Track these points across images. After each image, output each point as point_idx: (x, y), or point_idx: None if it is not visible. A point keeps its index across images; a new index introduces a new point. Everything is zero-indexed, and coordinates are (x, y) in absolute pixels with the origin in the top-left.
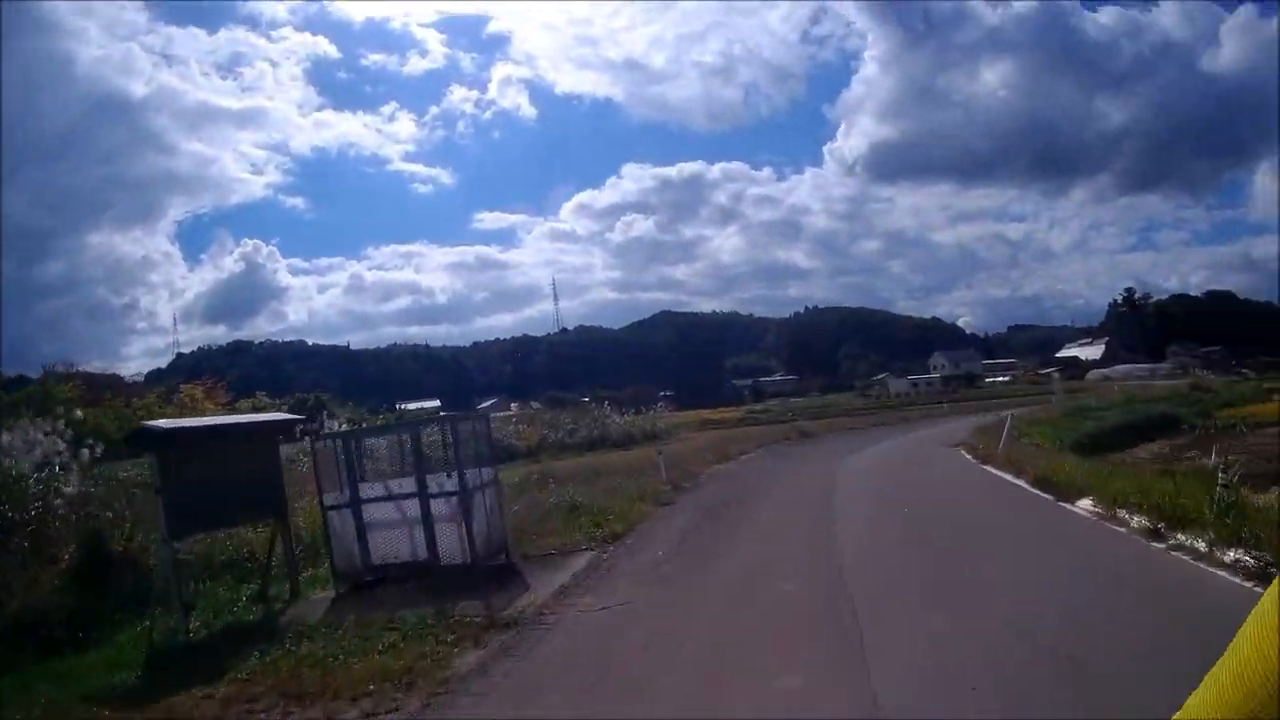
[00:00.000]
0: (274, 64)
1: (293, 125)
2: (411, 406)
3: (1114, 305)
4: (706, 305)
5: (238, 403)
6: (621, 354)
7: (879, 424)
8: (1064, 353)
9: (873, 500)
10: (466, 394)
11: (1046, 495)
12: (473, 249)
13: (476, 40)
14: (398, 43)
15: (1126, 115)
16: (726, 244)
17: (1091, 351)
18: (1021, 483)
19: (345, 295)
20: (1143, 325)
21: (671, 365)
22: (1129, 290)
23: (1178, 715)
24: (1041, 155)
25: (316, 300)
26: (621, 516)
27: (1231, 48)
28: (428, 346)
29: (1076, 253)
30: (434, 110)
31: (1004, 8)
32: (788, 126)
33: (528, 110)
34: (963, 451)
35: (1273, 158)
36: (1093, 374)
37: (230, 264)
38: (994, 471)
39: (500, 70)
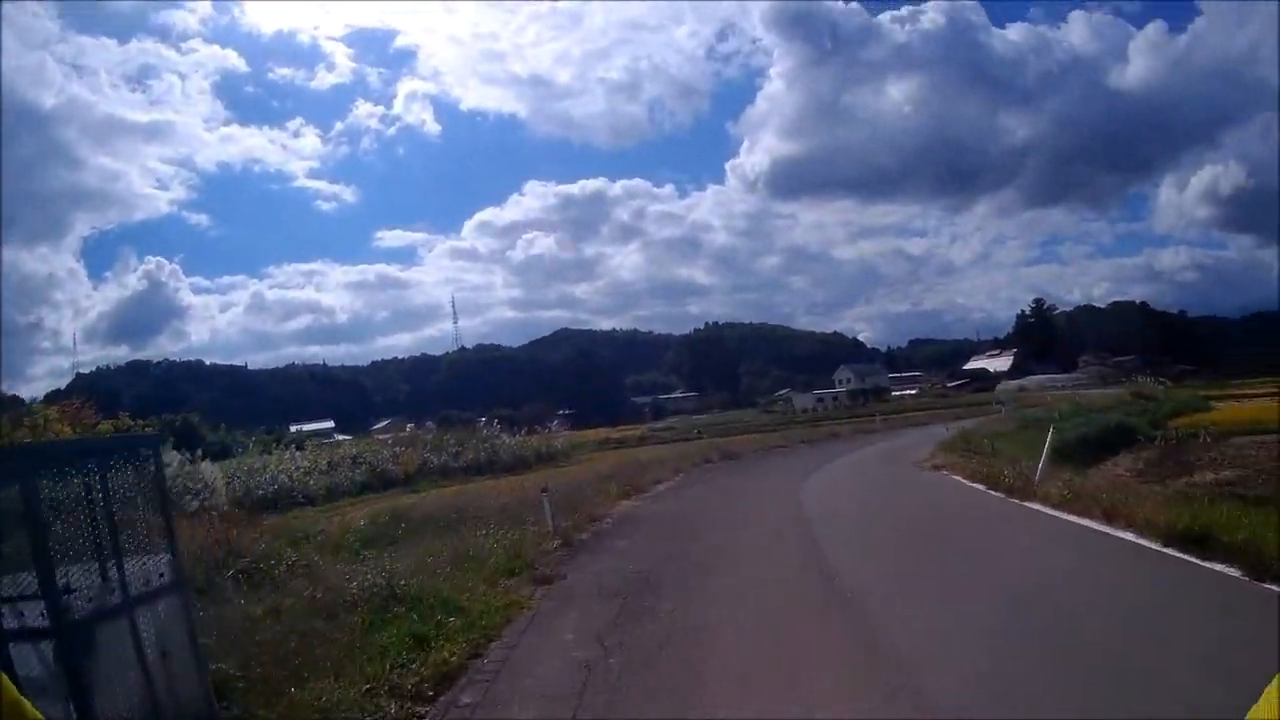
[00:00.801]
0: (183, 76)
1: (199, 140)
2: (306, 428)
3: (1022, 316)
4: (606, 323)
5: (98, 425)
6: (521, 373)
7: (804, 440)
8: (971, 365)
9: (928, 582)
10: (363, 414)
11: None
12: (373, 268)
13: (384, 55)
14: (306, 57)
15: (1032, 131)
16: (627, 261)
17: (1000, 363)
18: (1151, 544)
19: (246, 314)
20: (1052, 336)
21: (571, 384)
22: (1038, 301)
23: (1250, 714)
24: (945, 171)
25: (218, 319)
26: (468, 622)
27: (1139, 64)
28: (325, 366)
29: (978, 267)
30: (339, 126)
31: (912, 25)
32: (691, 143)
33: (432, 126)
34: (959, 478)
35: (1178, 171)
36: (1003, 385)
37: (133, 282)
38: (1072, 520)
39: (406, 85)
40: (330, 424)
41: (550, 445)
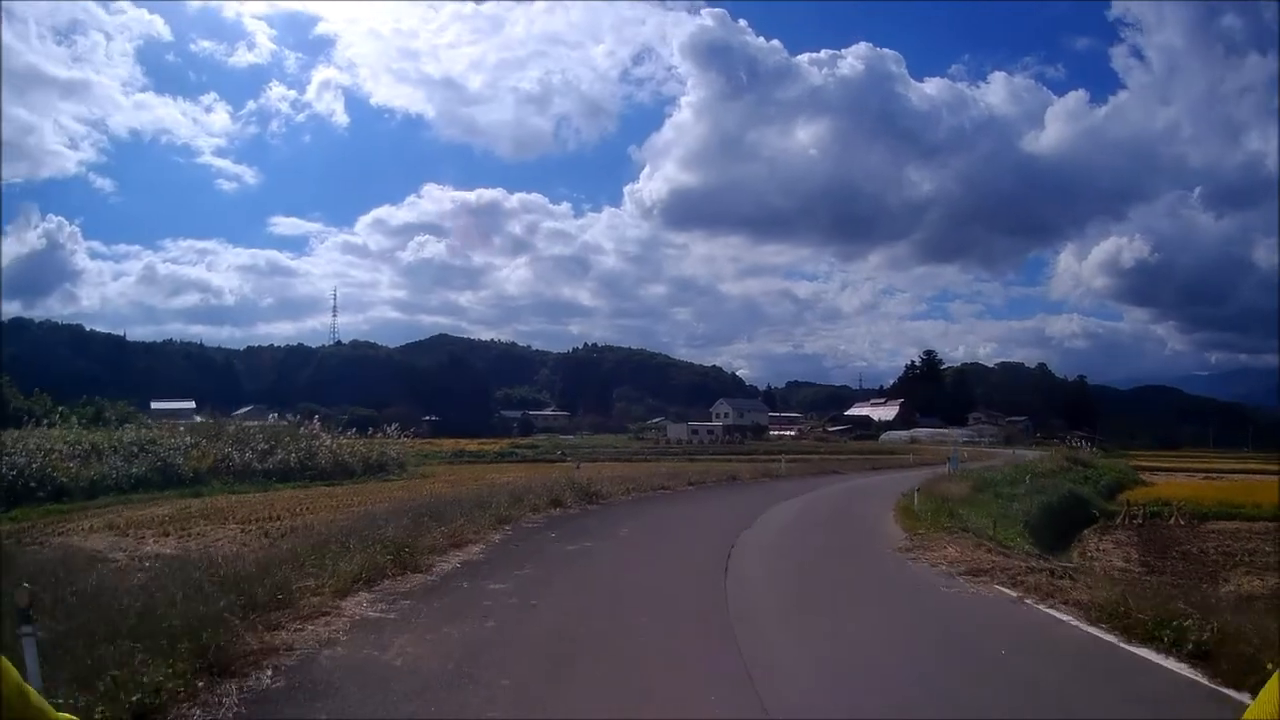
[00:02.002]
0: (109, 37)
1: (114, 103)
2: (166, 406)
3: (911, 367)
4: (486, 334)
5: None
6: (393, 375)
7: (694, 483)
8: (854, 411)
9: None
10: (230, 399)
11: None
12: (265, 253)
13: (304, 39)
14: (229, 32)
15: (936, 186)
16: (514, 275)
17: (884, 412)
18: None
19: (137, 285)
20: (940, 390)
21: (442, 390)
22: (929, 353)
23: (1246, 714)
24: (843, 218)
25: (109, 287)
26: None
27: (1055, 131)
28: (202, 346)
29: (865, 316)
30: (251, 105)
31: (830, 69)
32: (593, 163)
33: (341, 118)
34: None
35: (1080, 240)
36: (888, 435)
37: (33, 239)
38: None
39: (322, 73)
40: (191, 404)
41: (383, 453)
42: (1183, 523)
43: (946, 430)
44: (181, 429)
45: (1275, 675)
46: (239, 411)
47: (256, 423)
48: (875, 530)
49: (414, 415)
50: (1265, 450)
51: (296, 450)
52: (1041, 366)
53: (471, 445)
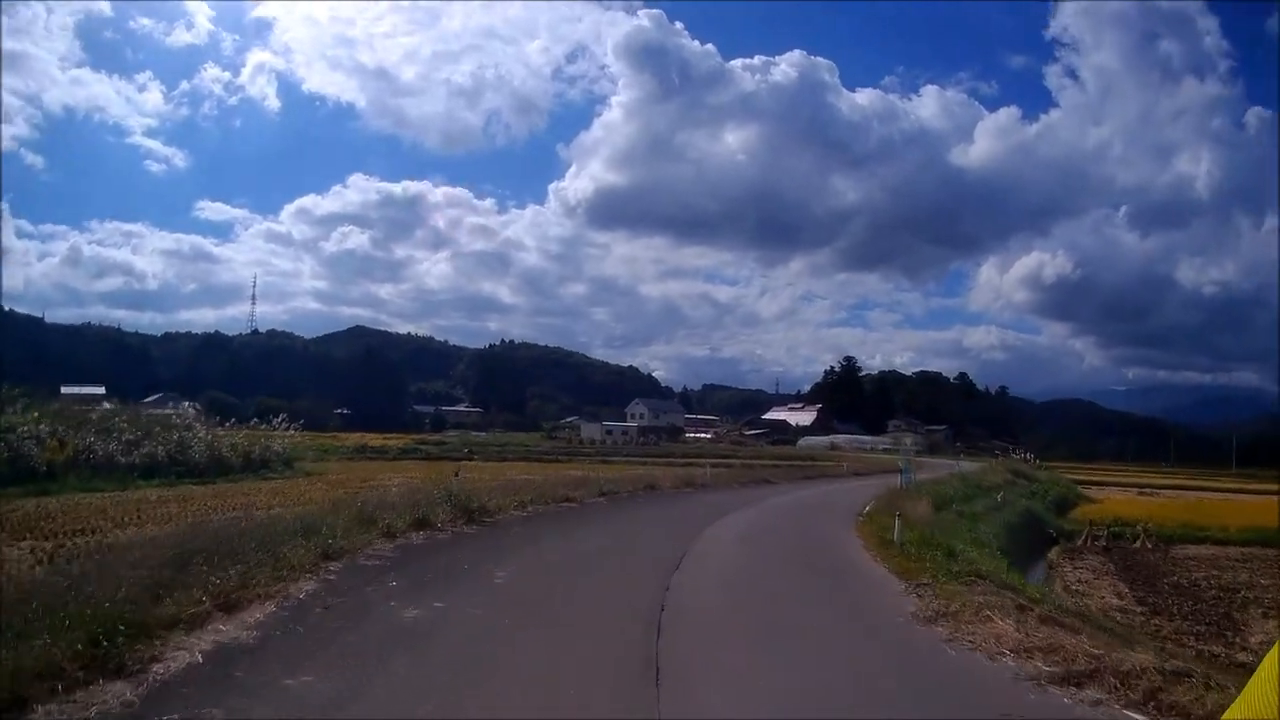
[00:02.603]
0: (49, 9)
1: (50, 78)
2: (75, 390)
3: (830, 373)
4: (405, 327)
5: None
6: (308, 365)
7: (606, 494)
8: (771, 415)
9: None
10: (144, 386)
11: None
12: (190, 238)
13: (241, 22)
14: (168, 10)
15: (862, 195)
16: (435, 269)
17: (802, 417)
18: None
19: (61, 266)
20: (860, 396)
21: (356, 383)
22: (849, 359)
23: (1225, 715)
24: (767, 223)
25: (34, 267)
26: None
27: (984, 145)
28: (120, 330)
29: (784, 321)
30: (185, 86)
31: (763, 75)
32: (520, 159)
33: (273, 103)
34: None
35: (1003, 254)
36: (806, 440)
37: None
38: None
39: (256, 57)
40: (101, 389)
41: (267, 449)
42: (1150, 546)
43: (867, 437)
44: (35, 415)
45: (1252, 677)
46: (149, 399)
47: (163, 411)
48: (860, 575)
49: (325, 408)
50: (1188, 466)
51: (167, 442)
52: (962, 376)
53: (375, 440)
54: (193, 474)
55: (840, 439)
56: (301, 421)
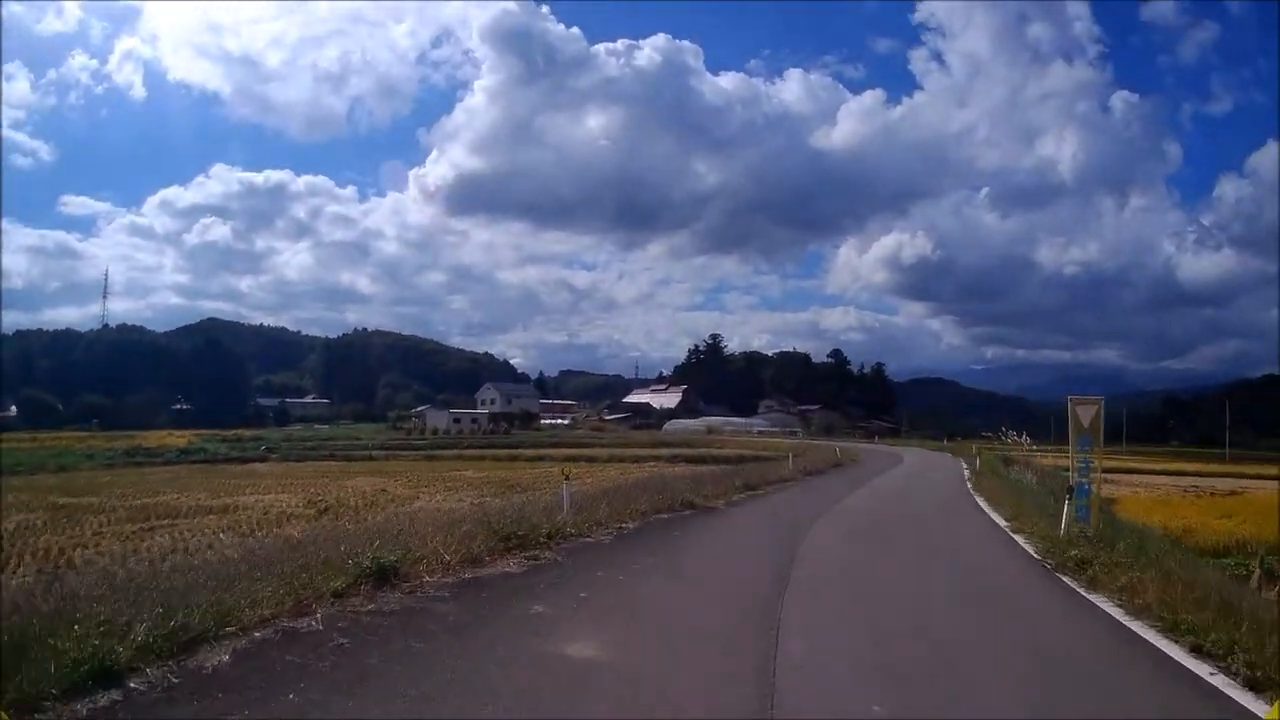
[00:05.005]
0: None
1: None
2: None
3: (695, 352)
4: (268, 320)
5: None
6: (157, 360)
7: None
8: (634, 398)
9: None
10: None
11: None
12: (54, 234)
13: (112, 9)
14: None
15: (722, 178)
16: (295, 260)
17: (666, 399)
18: None
19: None
20: (726, 377)
21: (197, 377)
22: (714, 337)
23: (1269, 715)
24: (626, 207)
25: None
26: None
27: (847, 128)
28: None
29: (642, 306)
30: (52, 75)
31: (627, 59)
32: (383, 146)
33: (139, 91)
34: None
35: (862, 235)
36: (673, 424)
37: None
38: None
39: (125, 44)
40: None
41: None
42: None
43: (739, 419)
44: None
45: None
46: None
47: None
48: None
49: (161, 403)
50: (1060, 444)
51: None
52: (836, 353)
53: (160, 440)
54: None
55: (714, 421)
56: (96, 421)
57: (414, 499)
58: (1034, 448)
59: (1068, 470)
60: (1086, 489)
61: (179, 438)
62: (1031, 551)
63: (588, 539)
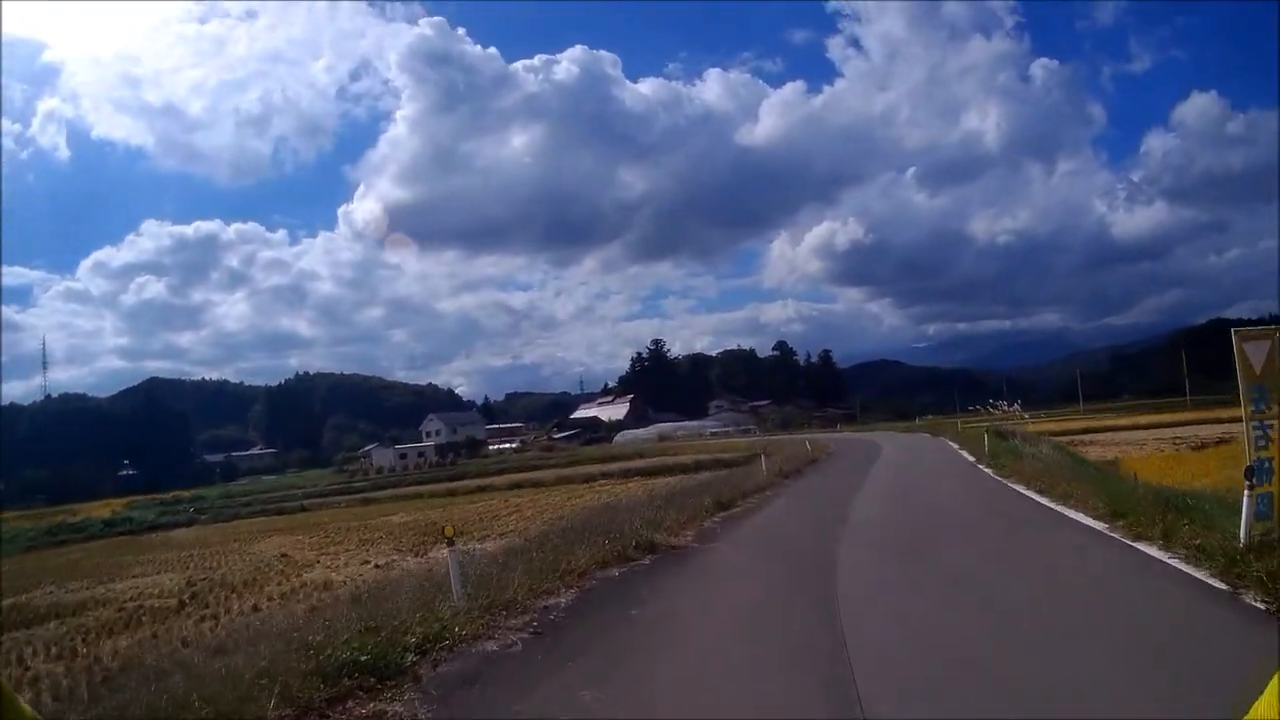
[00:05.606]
0: None
1: None
2: None
3: (638, 360)
4: (210, 374)
5: None
6: (100, 427)
7: None
8: (581, 413)
9: None
10: None
11: None
12: None
13: (31, 69)
14: None
15: (649, 185)
16: (233, 310)
17: (614, 411)
18: None
19: None
20: (672, 381)
21: (141, 439)
22: (656, 343)
23: (1249, 714)
24: (556, 223)
25: None
26: None
27: (770, 122)
28: None
29: (581, 320)
30: None
31: (545, 75)
32: (310, 184)
33: (64, 153)
34: None
35: (793, 227)
36: (623, 435)
37: None
38: None
39: (46, 104)
40: None
41: None
42: None
43: (691, 423)
44: None
45: (1276, 676)
46: None
47: None
48: None
49: (105, 471)
50: (1039, 407)
51: None
52: (781, 345)
53: (80, 514)
54: None
55: (665, 428)
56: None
57: (313, 564)
58: (1025, 417)
59: (1063, 437)
60: (1270, 469)
61: (104, 508)
62: (1205, 578)
63: (488, 644)
